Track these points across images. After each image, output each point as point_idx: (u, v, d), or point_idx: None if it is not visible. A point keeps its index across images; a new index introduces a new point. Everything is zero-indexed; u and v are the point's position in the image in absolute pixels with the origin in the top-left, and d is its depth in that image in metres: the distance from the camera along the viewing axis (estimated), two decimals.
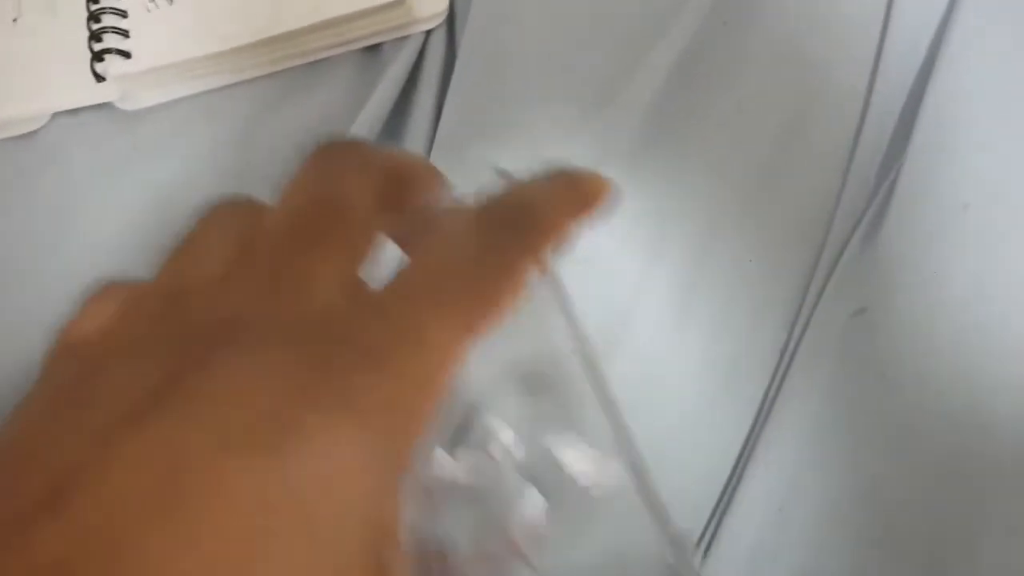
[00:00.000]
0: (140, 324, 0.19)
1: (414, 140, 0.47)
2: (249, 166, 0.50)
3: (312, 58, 0.50)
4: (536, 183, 0.20)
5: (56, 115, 0.50)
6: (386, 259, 0.20)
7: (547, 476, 0.44)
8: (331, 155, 0.21)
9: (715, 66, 0.46)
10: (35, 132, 0.50)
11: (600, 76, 0.47)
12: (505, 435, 0.42)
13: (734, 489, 0.42)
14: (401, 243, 0.22)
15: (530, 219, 0.19)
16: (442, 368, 0.17)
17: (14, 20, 0.50)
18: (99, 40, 0.49)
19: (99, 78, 0.49)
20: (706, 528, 0.42)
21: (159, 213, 0.50)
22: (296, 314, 0.17)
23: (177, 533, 0.13)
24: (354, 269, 0.19)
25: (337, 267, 0.19)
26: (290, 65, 0.50)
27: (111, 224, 0.48)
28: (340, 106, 0.49)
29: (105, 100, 0.50)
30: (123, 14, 0.50)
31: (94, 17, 0.50)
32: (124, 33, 0.49)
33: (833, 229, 0.43)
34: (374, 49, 0.50)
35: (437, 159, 0.47)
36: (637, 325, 0.45)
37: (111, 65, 0.49)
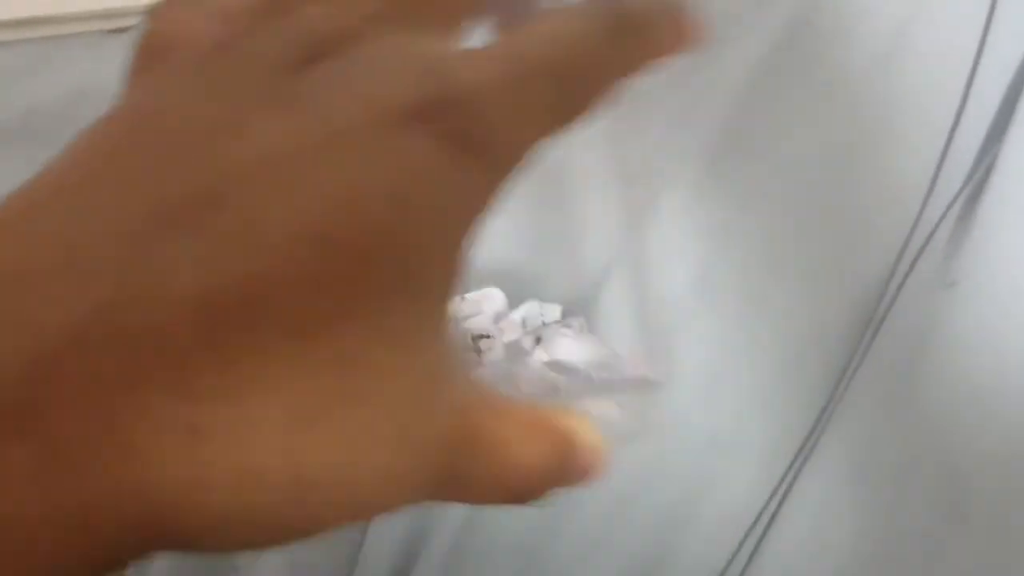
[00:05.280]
0: (243, 27, 0.17)
1: None
2: None
3: None
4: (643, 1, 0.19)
5: None
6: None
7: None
8: None
9: (823, 39, 0.47)
10: (129, 29, 0.49)
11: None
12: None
13: (814, 444, 0.43)
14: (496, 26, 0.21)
15: (635, 35, 0.18)
16: (513, 159, 0.16)
17: None
18: None
19: None
20: (781, 481, 0.43)
21: None
22: (404, 52, 0.16)
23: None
24: (455, 35, 0.18)
25: (441, 27, 0.18)
26: None
27: None
28: None
29: None
30: None
31: None
32: None
33: (928, 206, 0.44)
34: None
35: None
36: (717, 290, 0.46)
37: None
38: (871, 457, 0.42)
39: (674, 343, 0.44)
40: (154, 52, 0.18)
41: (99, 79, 0.51)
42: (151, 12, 0.19)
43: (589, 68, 0.17)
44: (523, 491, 0.17)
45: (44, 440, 0.13)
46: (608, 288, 0.46)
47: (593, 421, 0.18)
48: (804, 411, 0.44)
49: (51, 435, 0.13)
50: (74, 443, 0.13)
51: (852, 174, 0.47)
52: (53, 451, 0.13)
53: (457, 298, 0.18)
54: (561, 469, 0.17)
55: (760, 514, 0.41)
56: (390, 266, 0.14)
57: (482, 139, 0.15)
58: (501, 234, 0.36)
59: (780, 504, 0.42)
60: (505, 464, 0.16)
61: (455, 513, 0.45)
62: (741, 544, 0.41)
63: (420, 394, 0.15)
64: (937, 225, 0.44)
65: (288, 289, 0.14)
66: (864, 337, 0.44)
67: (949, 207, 0.44)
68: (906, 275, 0.44)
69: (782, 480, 0.43)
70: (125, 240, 0.14)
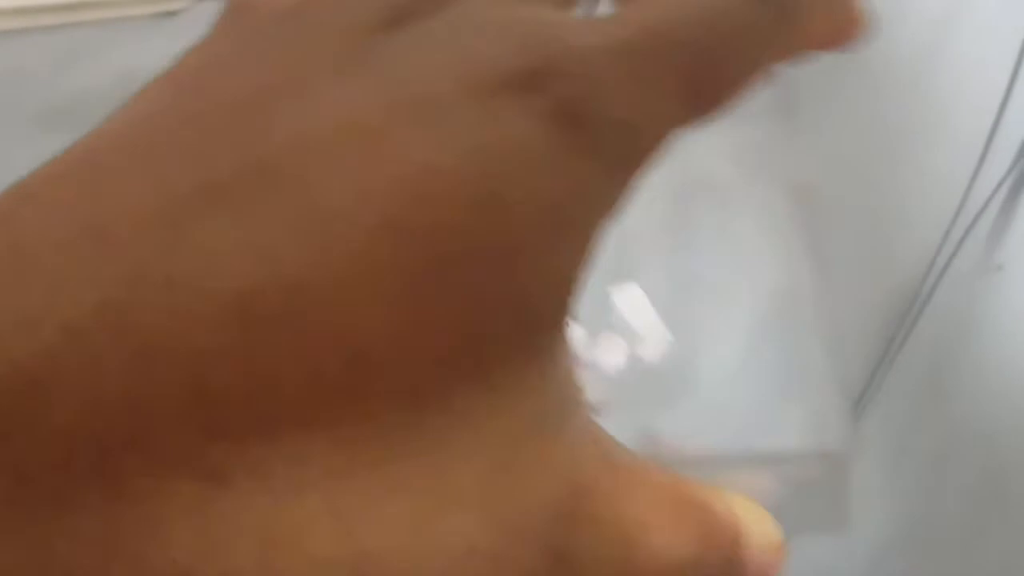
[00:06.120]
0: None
1: None
2: None
3: None
4: None
5: None
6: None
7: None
8: None
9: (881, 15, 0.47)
10: (178, 12, 0.50)
11: None
12: None
13: (854, 428, 0.43)
14: None
15: (790, 19, 0.15)
16: (637, 148, 0.13)
17: None
18: None
19: None
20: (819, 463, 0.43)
21: None
22: (506, 14, 0.14)
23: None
24: (569, 5, 0.16)
25: None
26: None
27: None
28: None
29: None
30: None
31: None
32: None
33: (974, 189, 0.44)
34: None
35: None
36: (758, 270, 0.46)
37: None
38: (911, 441, 0.42)
39: (709, 324, 0.45)
40: (231, 15, 0.16)
41: (147, 63, 0.52)
42: None
43: (731, 44, 0.14)
44: None
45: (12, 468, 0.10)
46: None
47: (760, 505, 0.14)
48: (844, 394, 0.44)
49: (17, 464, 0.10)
50: (46, 480, 0.10)
51: (898, 157, 0.47)
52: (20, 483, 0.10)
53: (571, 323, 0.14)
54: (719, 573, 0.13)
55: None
56: (484, 272, 0.12)
57: (598, 119, 0.13)
58: None
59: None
60: (639, 554, 0.12)
61: None
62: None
63: (519, 447, 0.12)
64: (983, 208, 0.44)
65: (349, 291, 0.11)
66: (907, 320, 0.44)
67: (995, 190, 0.44)
68: (951, 258, 0.43)
69: (819, 462, 0.43)
70: (155, 219, 0.11)
